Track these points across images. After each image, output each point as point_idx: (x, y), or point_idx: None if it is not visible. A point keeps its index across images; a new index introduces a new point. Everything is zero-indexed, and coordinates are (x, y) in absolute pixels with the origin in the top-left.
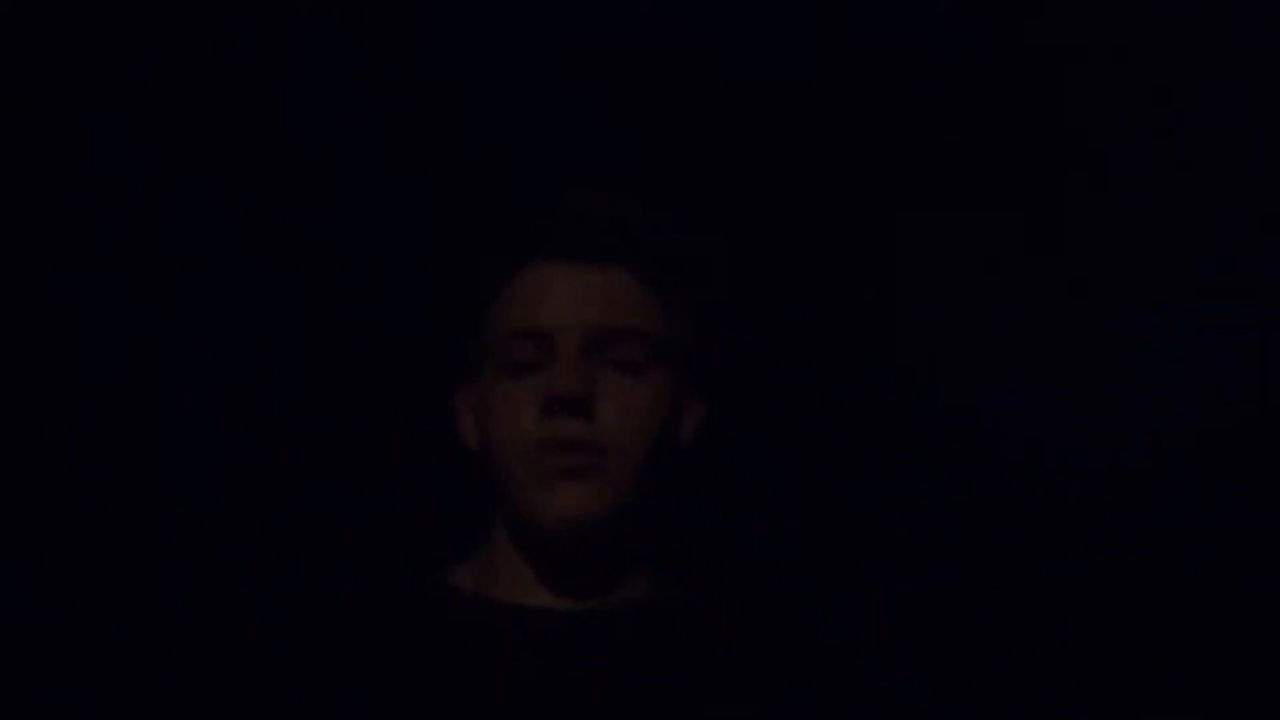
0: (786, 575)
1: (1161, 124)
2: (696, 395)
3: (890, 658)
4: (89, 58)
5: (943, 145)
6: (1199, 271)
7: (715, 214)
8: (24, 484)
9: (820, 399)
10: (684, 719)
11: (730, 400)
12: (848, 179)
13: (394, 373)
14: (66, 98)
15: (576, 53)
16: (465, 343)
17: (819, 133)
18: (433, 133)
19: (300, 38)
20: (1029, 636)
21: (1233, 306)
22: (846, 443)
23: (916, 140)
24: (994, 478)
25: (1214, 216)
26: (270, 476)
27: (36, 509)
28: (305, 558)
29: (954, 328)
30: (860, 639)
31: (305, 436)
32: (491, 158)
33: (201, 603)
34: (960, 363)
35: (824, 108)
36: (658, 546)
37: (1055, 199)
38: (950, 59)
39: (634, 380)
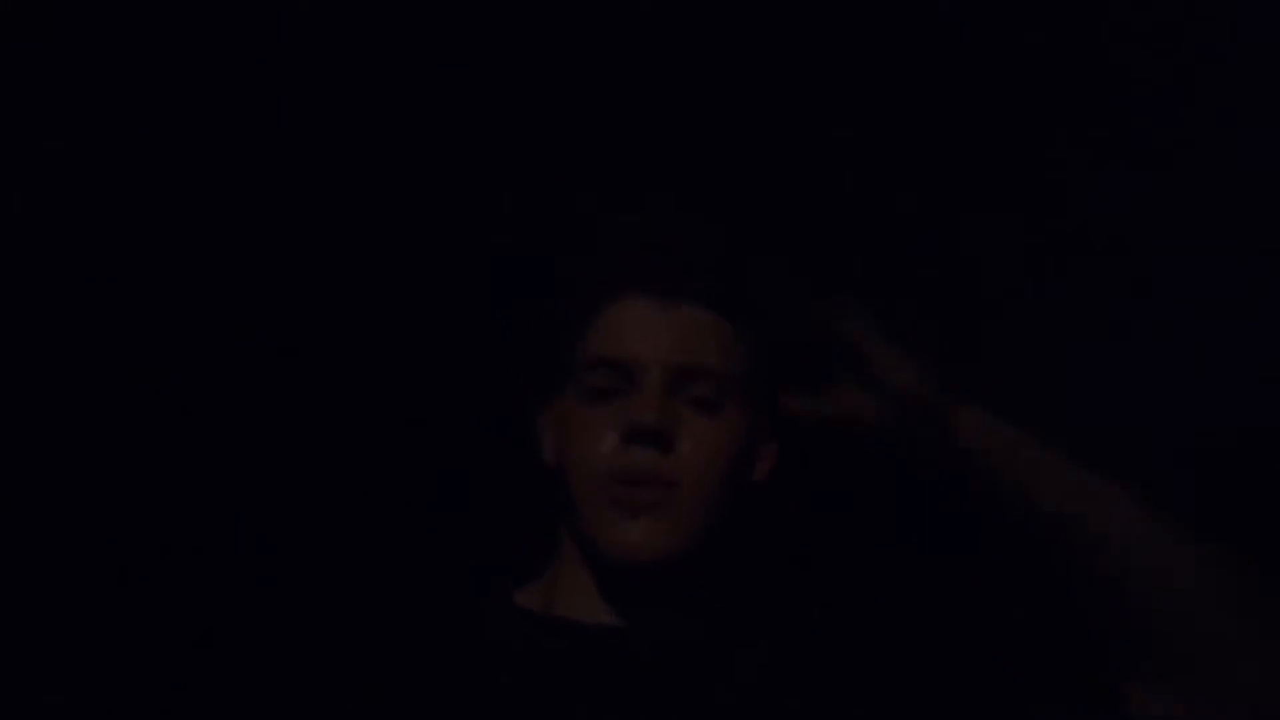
0: (845, 604)
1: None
2: (770, 438)
3: (948, 686)
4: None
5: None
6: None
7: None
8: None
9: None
10: None
11: (799, 441)
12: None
13: (467, 390)
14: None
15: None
16: (550, 365)
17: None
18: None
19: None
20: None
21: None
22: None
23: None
24: None
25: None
26: (334, 494)
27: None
28: (369, 576)
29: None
30: (919, 667)
31: (373, 452)
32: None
33: (266, 623)
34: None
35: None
36: (724, 572)
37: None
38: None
39: (711, 419)
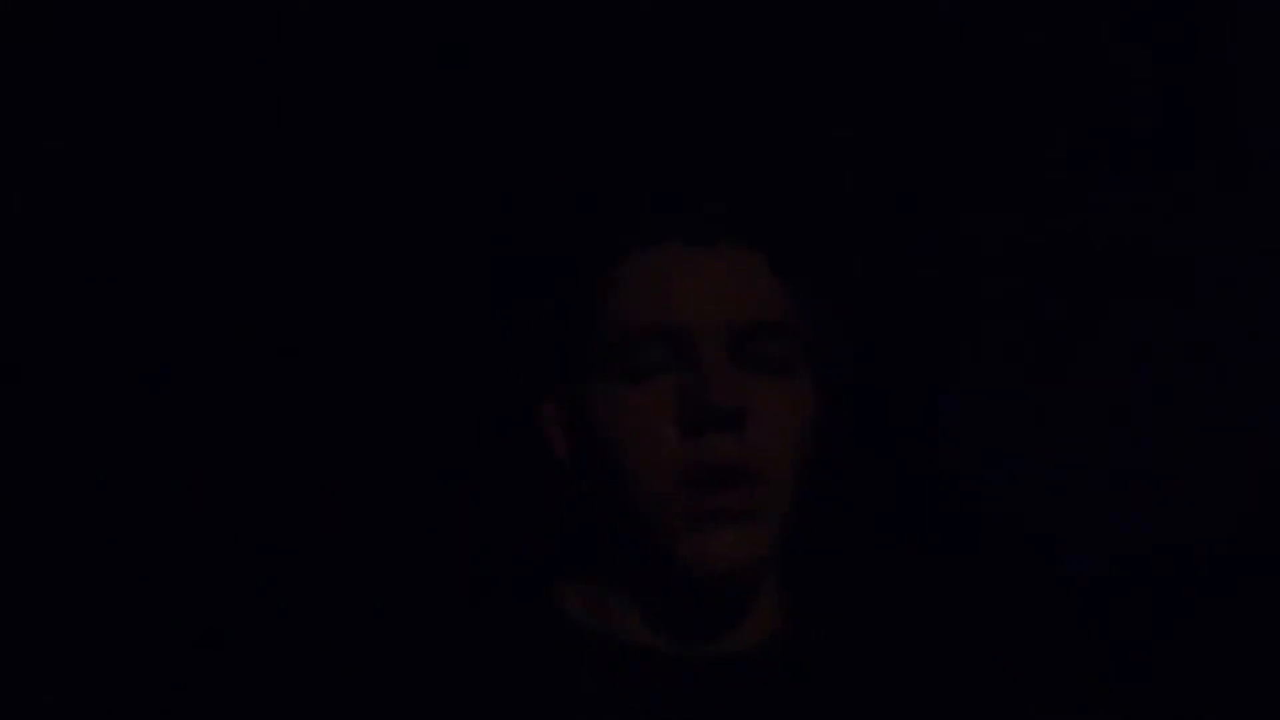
0: (905, 609)
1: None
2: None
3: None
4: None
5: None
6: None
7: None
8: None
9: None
10: None
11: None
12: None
13: (471, 379)
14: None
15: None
16: (558, 343)
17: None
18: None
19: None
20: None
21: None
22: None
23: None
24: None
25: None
26: (333, 494)
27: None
28: (402, 575)
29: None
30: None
31: (385, 451)
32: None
33: (299, 629)
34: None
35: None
36: (782, 581)
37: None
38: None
39: (781, 385)
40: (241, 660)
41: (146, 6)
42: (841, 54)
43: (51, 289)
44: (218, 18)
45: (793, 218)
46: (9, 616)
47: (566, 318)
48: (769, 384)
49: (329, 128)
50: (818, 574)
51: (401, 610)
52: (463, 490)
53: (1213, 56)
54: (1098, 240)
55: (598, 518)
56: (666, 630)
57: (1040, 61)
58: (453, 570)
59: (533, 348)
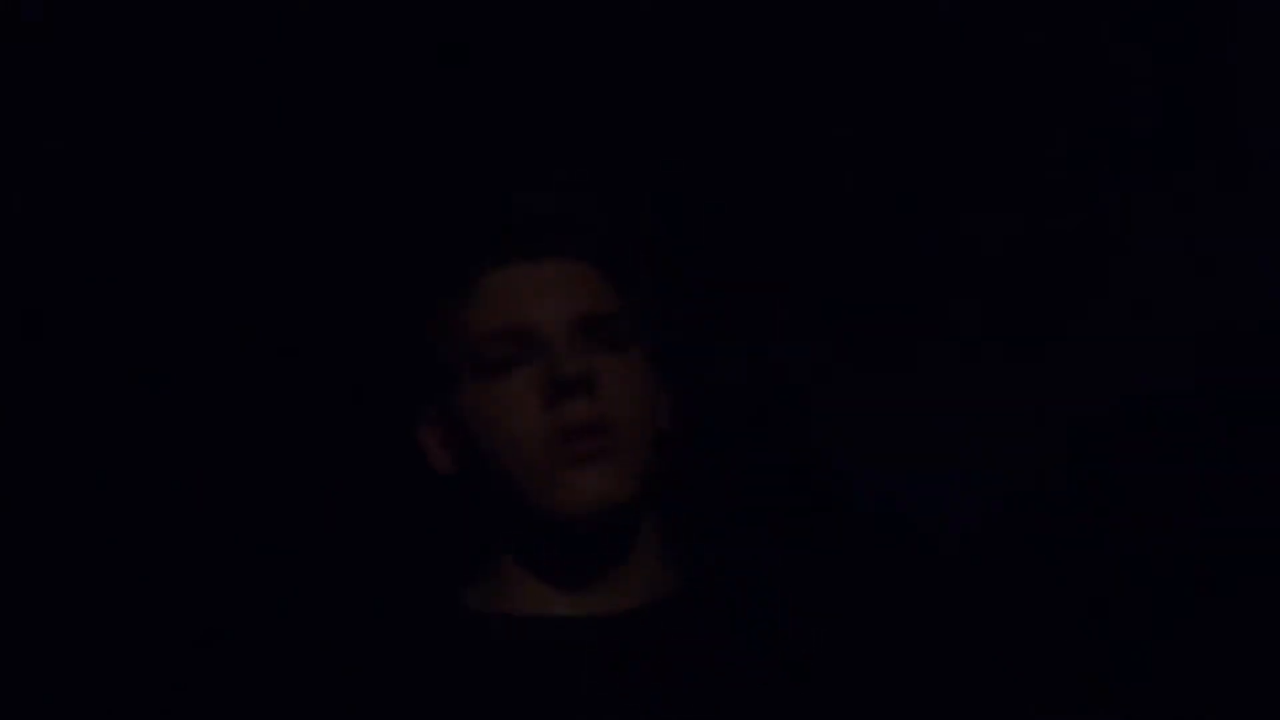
0: (793, 566)
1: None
2: (664, 388)
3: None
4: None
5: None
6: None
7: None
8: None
9: None
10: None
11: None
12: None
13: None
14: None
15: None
16: (423, 366)
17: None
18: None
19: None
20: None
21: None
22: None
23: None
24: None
25: None
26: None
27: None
28: (309, 583)
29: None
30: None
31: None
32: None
33: (212, 636)
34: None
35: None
36: (666, 545)
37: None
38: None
39: (622, 357)
40: (145, 661)
41: (146, 6)
42: (841, 54)
43: (51, 289)
44: (216, 17)
45: (616, 231)
46: None
47: (428, 341)
48: (610, 357)
49: (330, 130)
50: (703, 542)
51: (311, 618)
52: (365, 505)
53: (1213, 56)
54: (1097, 240)
55: (486, 509)
56: (560, 597)
57: (1040, 61)
58: (358, 581)
59: (400, 373)
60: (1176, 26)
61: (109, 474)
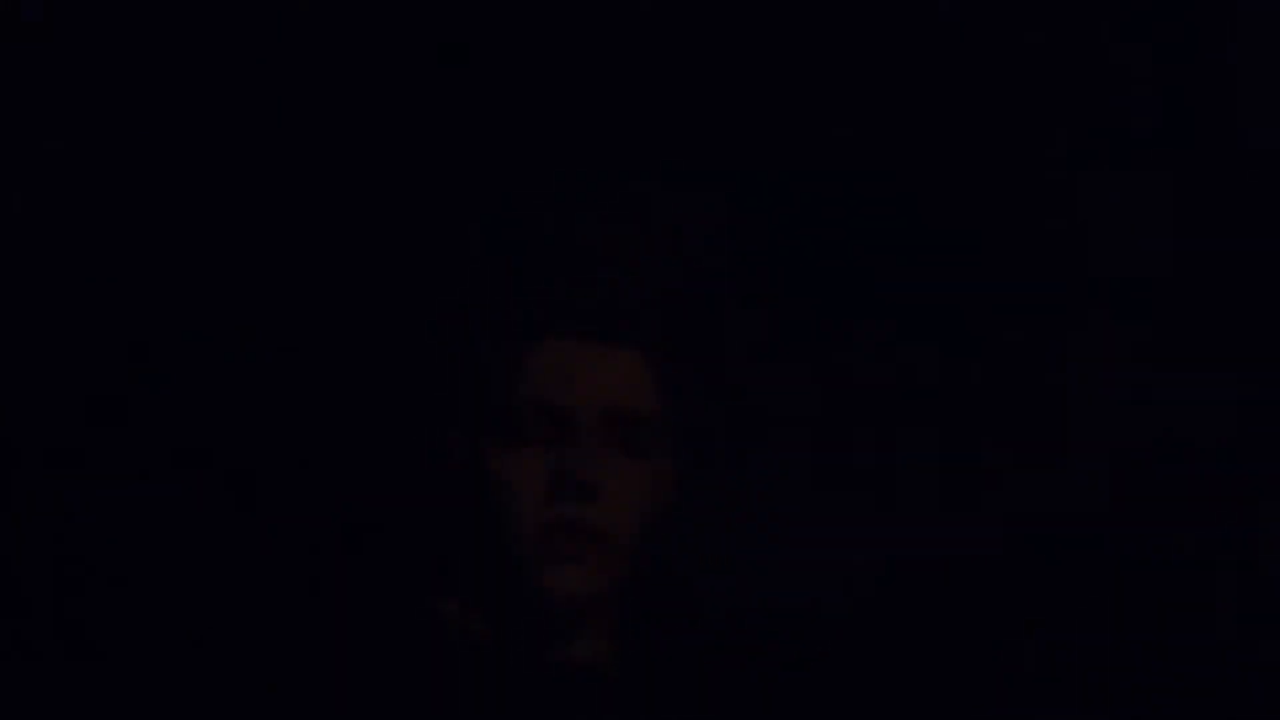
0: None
1: None
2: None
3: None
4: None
5: None
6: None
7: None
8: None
9: None
10: None
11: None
12: None
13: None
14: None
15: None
16: (471, 403)
17: None
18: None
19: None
20: None
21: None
22: None
23: None
24: None
25: None
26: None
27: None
28: (291, 583)
29: None
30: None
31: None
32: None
33: (193, 638)
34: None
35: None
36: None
37: None
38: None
39: (637, 465)
40: (110, 661)
41: (146, 6)
42: (841, 54)
43: (52, 289)
44: (217, 18)
45: (677, 330)
46: None
47: (482, 383)
48: (628, 461)
49: (334, 133)
50: (647, 612)
51: (282, 614)
52: (345, 498)
53: (1213, 56)
54: (1096, 241)
55: (475, 542)
56: (520, 640)
57: (1040, 61)
58: (330, 576)
59: (451, 401)
60: (1176, 26)
61: (109, 473)
